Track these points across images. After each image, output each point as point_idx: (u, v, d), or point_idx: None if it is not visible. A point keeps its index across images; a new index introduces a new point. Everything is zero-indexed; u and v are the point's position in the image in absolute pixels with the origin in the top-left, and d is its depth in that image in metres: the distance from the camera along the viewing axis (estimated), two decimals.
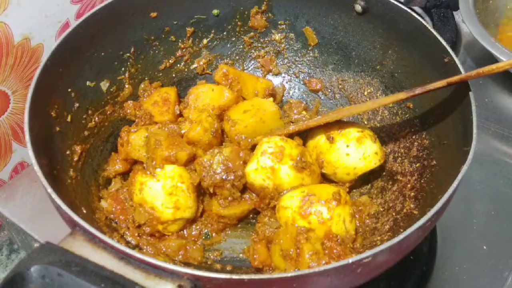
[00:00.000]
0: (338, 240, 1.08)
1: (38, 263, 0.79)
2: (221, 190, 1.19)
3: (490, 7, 1.71)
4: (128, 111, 1.36)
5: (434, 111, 1.22)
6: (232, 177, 1.18)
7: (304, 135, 1.31)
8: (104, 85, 1.31)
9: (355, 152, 1.22)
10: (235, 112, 1.31)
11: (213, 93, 1.35)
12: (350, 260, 0.84)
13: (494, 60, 1.53)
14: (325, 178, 1.28)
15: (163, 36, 1.41)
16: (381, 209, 1.23)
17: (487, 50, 1.51)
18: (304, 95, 1.51)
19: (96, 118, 1.29)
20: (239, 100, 1.37)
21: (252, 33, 1.49)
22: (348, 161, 1.22)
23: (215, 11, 1.44)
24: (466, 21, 1.58)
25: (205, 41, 1.47)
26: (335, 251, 1.06)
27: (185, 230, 1.20)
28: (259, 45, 1.51)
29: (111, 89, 1.33)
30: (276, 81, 1.52)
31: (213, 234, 1.22)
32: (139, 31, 1.36)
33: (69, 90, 1.20)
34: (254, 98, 1.38)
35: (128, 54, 1.36)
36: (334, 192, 1.12)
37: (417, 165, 1.23)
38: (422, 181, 1.18)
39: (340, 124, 1.26)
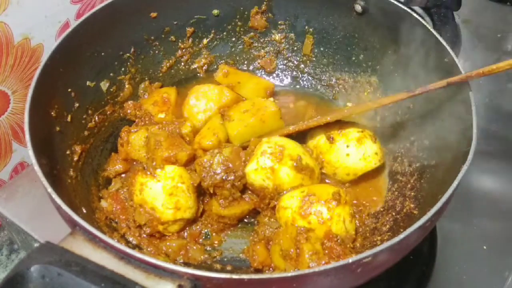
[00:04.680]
0: (338, 240, 1.08)
1: (38, 263, 0.79)
2: (221, 190, 1.19)
3: None
4: (128, 111, 1.36)
5: (434, 111, 1.22)
6: (232, 177, 1.18)
7: (304, 135, 1.31)
8: (104, 85, 1.31)
9: (355, 152, 1.22)
10: (235, 112, 1.31)
11: (213, 93, 1.35)
12: (350, 260, 0.84)
13: (493, 60, 1.52)
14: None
15: (163, 36, 1.41)
16: (381, 209, 1.23)
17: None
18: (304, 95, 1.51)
19: (96, 118, 1.29)
20: (239, 100, 1.37)
21: (252, 33, 1.49)
22: (348, 161, 1.22)
23: (215, 11, 1.44)
24: None
25: (205, 41, 1.47)
26: (335, 251, 1.05)
27: (185, 231, 1.20)
28: (259, 45, 1.51)
29: (111, 89, 1.33)
30: (276, 81, 1.52)
31: (213, 234, 1.22)
32: (139, 31, 1.36)
33: (69, 90, 1.20)
34: (254, 98, 1.38)
35: (128, 54, 1.36)
36: (334, 192, 1.11)
37: (417, 165, 1.23)
38: (422, 181, 1.18)
39: (340, 124, 1.26)
